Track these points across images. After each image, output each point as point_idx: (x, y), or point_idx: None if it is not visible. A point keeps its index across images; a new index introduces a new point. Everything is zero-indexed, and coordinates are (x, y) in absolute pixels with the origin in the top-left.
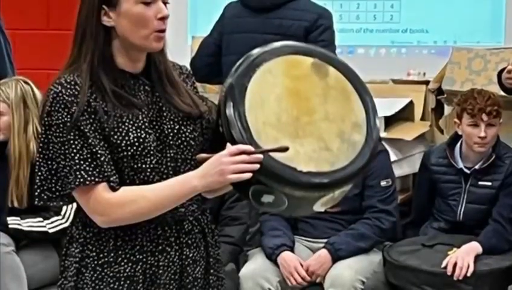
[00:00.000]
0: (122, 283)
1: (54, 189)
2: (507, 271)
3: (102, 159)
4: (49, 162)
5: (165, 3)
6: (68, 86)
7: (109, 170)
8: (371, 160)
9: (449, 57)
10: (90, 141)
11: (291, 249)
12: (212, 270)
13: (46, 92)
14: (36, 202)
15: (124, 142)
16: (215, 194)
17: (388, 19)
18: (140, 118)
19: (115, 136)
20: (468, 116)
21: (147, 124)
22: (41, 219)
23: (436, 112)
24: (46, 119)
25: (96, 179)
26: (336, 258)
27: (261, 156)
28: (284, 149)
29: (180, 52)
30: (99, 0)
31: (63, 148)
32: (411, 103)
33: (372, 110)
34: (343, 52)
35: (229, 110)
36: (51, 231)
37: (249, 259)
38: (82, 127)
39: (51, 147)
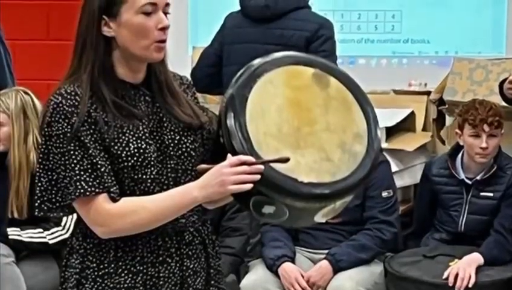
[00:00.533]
0: None
1: (54, 200)
2: (509, 282)
3: (102, 169)
4: (49, 173)
5: (165, 13)
6: (68, 97)
7: (109, 180)
8: (372, 171)
9: (450, 68)
10: (90, 151)
11: (292, 260)
12: (212, 282)
13: (46, 103)
14: (36, 213)
15: (125, 152)
16: (216, 205)
17: (389, 29)
18: (140, 128)
19: (115, 147)
20: (469, 127)
21: (147, 134)
22: (41, 230)
23: (438, 122)
24: (46, 129)
25: (97, 190)
26: (337, 269)
27: (262, 166)
28: (285, 160)
29: (181, 62)
30: (99, 11)
31: (63, 158)
32: (412, 114)
33: (373, 121)
34: (344, 62)
35: (230, 121)
36: (51, 242)
37: (249, 270)
38: (82, 138)
39: (51, 158)
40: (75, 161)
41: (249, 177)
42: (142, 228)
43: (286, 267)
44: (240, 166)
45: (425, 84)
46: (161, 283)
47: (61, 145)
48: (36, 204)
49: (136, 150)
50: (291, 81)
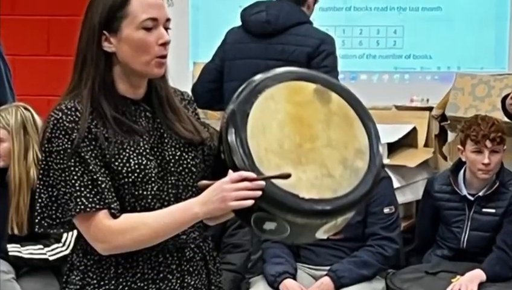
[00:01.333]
0: None
1: (54, 216)
2: None
3: (103, 186)
4: (50, 189)
5: (166, 28)
6: (69, 113)
7: (110, 196)
8: (373, 187)
9: (453, 83)
10: (90, 167)
11: (294, 277)
12: None
13: (47, 119)
14: (36, 229)
15: (125, 168)
16: (217, 221)
17: (391, 44)
18: (141, 144)
19: (116, 163)
20: (471, 143)
21: (148, 150)
22: (41, 246)
23: (440, 138)
24: (46, 145)
25: (97, 206)
26: (339, 285)
27: (263, 182)
28: (286, 176)
29: (182, 78)
30: (100, 26)
31: (63, 175)
32: (414, 130)
33: (375, 137)
34: (346, 78)
35: (231, 137)
36: (51, 258)
37: (250, 287)
38: (83, 154)
39: (51, 174)
40: (75, 177)
41: (250, 193)
42: (143, 244)
43: (287, 283)
44: (241, 182)
45: (427, 100)
46: None
47: (61, 161)
48: (36, 220)
49: (136, 166)
50: (292, 96)
